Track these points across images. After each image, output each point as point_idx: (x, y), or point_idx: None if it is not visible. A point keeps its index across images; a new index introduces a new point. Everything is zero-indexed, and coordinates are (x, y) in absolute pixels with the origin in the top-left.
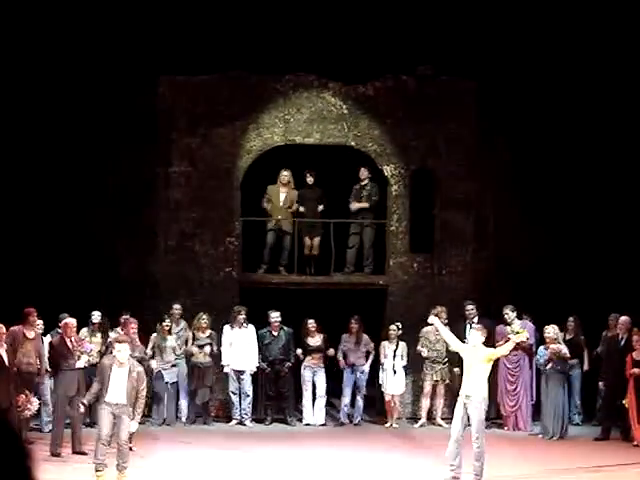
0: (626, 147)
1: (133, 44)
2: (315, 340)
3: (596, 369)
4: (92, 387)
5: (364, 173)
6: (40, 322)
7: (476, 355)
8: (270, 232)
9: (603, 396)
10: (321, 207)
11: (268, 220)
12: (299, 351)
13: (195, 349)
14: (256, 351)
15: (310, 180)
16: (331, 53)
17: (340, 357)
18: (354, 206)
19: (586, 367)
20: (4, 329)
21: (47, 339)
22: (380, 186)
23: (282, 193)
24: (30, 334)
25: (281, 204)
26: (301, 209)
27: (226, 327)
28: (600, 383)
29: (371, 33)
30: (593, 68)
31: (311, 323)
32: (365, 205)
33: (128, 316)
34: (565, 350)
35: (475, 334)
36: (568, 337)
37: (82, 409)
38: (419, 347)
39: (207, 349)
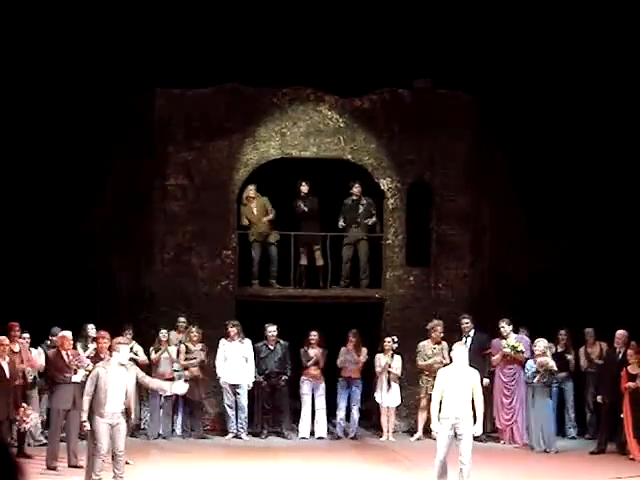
0: (624, 158)
1: (130, 57)
2: (315, 352)
3: (583, 383)
4: (83, 403)
5: (357, 188)
6: (27, 335)
7: (461, 376)
8: (254, 246)
9: (601, 410)
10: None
11: (251, 234)
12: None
13: (188, 362)
14: (253, 365)
15: (305, 189)
16: (327, 66)
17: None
18: (371, 222)
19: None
20: (7, 341)
21: (36, 352)
22: (376, 200)
23: (254, 207)
24: (15, 347)
25: (257, 215)
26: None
27: (222, 341)
28: (598, 397)
29: (368, 46)
30: (591, 79)
31: (312, 335)
32: (374, 220)
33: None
34: (552, 363)
35: (461, 351)
36: (560, 350)
37: (87, 427)
38: (420, 362)
39: (199, 361)
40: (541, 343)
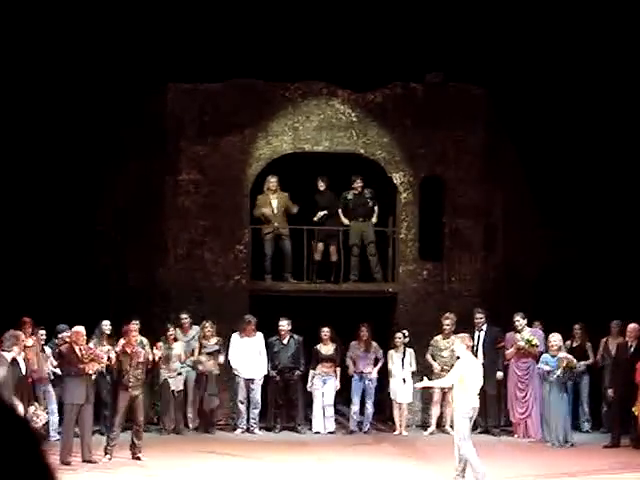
0: (637, 150)
1: (141, 52)
2: (327, 348)
3: (600, 377)
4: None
5: (358, 183)
6: (43, 332)
7: (466, 367)
8: (267, 240)
9: (613, 403)
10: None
11: (265, 228)
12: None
13: (203, 358)
14: (265, 359)
15: (322, 186)
16: (340, 60)
17: (350, 364)
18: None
19: (591, 360)
20: (23, 336)
21: (48, 350)
22: (389, 194)
23: (273, 200)
24: (28, 342)
25: (275, 211)
26: (320, 213)
27: (234, 335)
28: (609, 390)
29: (380, 40)
30: (603, 72)
31: (324, 331)
32: (374, 220)
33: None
34: (575, 361)
35: (456, 344)
36: (575, 344)
37: None
38: (428, 356)
39: (219, 358)
40: (556, 337)
